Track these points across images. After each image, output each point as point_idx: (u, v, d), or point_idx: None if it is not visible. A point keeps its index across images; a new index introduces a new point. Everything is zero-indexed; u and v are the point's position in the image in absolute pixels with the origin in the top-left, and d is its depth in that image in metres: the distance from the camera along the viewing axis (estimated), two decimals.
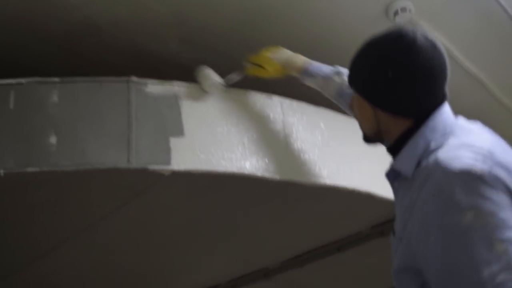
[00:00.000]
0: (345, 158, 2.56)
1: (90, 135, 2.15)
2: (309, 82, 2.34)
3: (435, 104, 1.54)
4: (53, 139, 2.12)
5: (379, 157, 2.73)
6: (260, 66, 2.40)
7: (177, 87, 2.34)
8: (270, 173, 2.31)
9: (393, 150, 1.62)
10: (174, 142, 2.22)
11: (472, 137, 1.45)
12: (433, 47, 1.52)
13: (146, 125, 2.21)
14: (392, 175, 1.63)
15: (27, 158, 2.06)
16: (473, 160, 1.30)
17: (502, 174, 1.29)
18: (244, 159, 2.29)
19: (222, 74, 2.41)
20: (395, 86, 1.50)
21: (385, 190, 2.53)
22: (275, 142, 2.39)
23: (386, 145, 1.68)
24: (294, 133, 2.46)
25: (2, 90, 2.18)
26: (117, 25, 2.65)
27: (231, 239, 2.91)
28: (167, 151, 2.19)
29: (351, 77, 1.69)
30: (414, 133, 1.52)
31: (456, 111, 1.62)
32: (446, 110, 1.57)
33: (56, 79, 2.23)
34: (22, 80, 2.22)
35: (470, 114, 1.76)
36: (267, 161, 2.33)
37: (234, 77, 2.44)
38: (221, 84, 2.40)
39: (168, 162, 2.17)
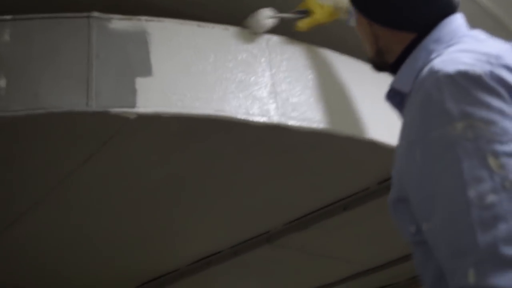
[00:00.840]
0: (342, 100, 2.25)
1: (45, 77, 1.91)
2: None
3: (442, 13, 1.31)
4: (2, 82, 1.89)
5: (382, 99, 2.43)
6: (308, 13, 2.21)
7: (145, 22, 2.07)
8: (253, 116, 2.03)
9: (395, 70, 1.38)
10: (140, 82, 1.96)
11: (480, 44, 1.20)
12: None
13: (108, 64, 1.96)
14: (393, 96, 1.41)
15: None
16: (472, 62, 1.06)
17: (508, 76, 1.02)
18: (223, 100, 2.01)
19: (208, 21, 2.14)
20: None
21: (392, 138, 2.24)
22: (259, 81, 2.11)
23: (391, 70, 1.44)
24: (281, 72, 2.17)
25: None
26: None
27: (224, 200, 2.64)
28: (132, 92, 1.93)
29: None
30: (416, 47, 1.31)
31: None
32: (456, 20, 1.33)
33: (8, 17, 1.99)
34: None
35: None
36: (249, 102, 2.05)
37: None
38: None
39: (133, 104, 1.91)
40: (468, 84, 1.00)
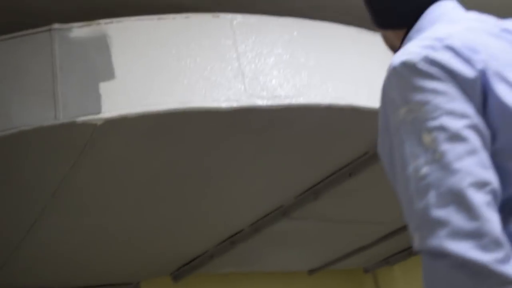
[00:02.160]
0: (317, 70, 2.20)
1: (14, 96, 1.98)
2: None
3: (423, 4, 1.34)
4: None
5: (363, 63, 2.35)
6: None
7: (105, 26, 2.09)
8: (221, 102, 2.02)
9: None
10: (105, 87, 1.99)
11: (443, 27, 1.21)
12: None
13: (72, 74, 2.00)
14: None
15: None
16: (415, 49, 1.12)
17: (445, 56, 1.08)
18: (188, 90, 2.01)
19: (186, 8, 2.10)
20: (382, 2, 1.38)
21: (374, 102, 2.17)
22: (224, 66, 2.09)
23: None
24: (248, 51, 2.14)
25: None
26: None
27: (227, 183, 2.67)
28: (97, 98, 1.97)
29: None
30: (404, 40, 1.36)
31: None
32: (442, 5, 1.34)
33: None
34: None
35: None
36: (217, 89, 2.04)
37: None
38: None
39: (98, 110, 1.95)
40: (406, 72, 1.09)
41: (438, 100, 1.04)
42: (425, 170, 1.00)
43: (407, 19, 1.33)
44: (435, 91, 1.05)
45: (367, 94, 2.23)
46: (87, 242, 2.92)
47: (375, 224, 3.34)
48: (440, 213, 0.95)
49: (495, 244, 0.91)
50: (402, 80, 1.09)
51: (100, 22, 2.09)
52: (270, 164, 2.54)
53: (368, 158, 2.60)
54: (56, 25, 2.07)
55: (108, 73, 2.01)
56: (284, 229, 3.20)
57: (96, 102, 1.96)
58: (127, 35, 2.08)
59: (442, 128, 1.02)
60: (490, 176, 0.96)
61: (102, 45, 2.06)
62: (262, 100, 2.06)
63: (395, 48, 1.40)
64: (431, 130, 1.02)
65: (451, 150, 0.99)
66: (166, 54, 2.07)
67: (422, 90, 1.06)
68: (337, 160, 2.62)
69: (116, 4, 2.62)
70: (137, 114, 1.96)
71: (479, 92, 1.04)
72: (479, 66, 1.05)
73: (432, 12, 1.32)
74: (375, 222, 3.30)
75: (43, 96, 1.97)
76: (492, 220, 0.93)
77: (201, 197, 2.77)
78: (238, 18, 2.20)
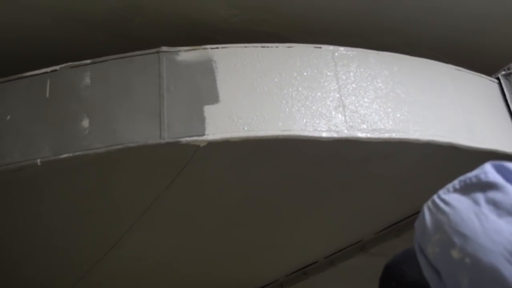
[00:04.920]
0: (416, 106, 2.18)
1: (121, 113, 2.05)
2: None
3: None
4: (85, 122, 2.05)
5: (461, 101, 2.31)
6: None
7: (211, 51, 2.15)
8: (321, 132, 2.03)
9: None
10: (209, 110, 2.03)
11: None
12: None
13: (178, 96, 2.06)
14: None
15: (62, 144, 2.02)
16: None
17: None
18: (289, 119, 2.03)
19: (280, 36, 2.12)
20: None
21: (472, 141, 2.14)
22: (325, 96, 2.10)
23: None
24: (349, 83, 2.14)
25: (39, 80, 2.16)
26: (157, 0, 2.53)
27: (311, 213, 2.65)
28: (201, 121, 2.02)
29: None
30: None
31: None
32: None
33: (88, 61, 2.16)
34: (57, 67, 2.18)
35: None
36: (316, 118, 2.05)
37: None
38: None
39: (202, 132, 1.99)
40: None
41: None
42: None
43: None
44: None
45: (466, 132, 2.19)
46: (165, 261, 2.95)
47: None
48: None
49: None
50: None
51: (206, 47, 2.15)
52: (357, 196, 2.52)
53: None
54: (164, 48, 2.15)
55: (213, 97, 2.06)
56: (360, 265, 3.14)
57: (200, 124, 2.01)
58: (231, 61, 2.13)
59: None
60: None
61: (207, 69, 2.11)
62: (362, 133, 2.06)
63: None
64: None
65: None
66: (269, 82, 2.10)
67: None
68: (426, 199, 2.56)
69: (214, 31, 2.70)
70: (239, 138, 1.99)
71: None
72: None
73: None
74: None
75: (149, 115, 2.03)
76: None
77: (282, 224, 2.77)
78: (340, 50, 2.22)
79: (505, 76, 2.55)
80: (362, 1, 2.66)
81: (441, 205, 1.03)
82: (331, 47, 2.22)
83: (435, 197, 1.04)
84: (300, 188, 2.42)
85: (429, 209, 1.06)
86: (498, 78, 2.56)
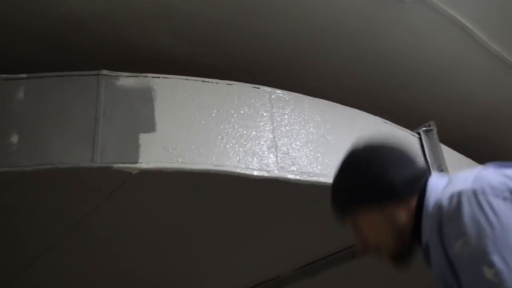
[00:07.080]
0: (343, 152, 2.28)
1: (55, 133, 2.01)
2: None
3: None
4: (14, 138, 2.00)
5: None
6: None
7: (152, 79, 2.17)
8: (253, 170, 2.08)
9: (418, 234, 1.32)
10: (144, 138, 2.04)
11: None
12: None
13: (114, 121, 2.05)
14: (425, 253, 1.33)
15: None
16: None
17: None
18: (223, 154, 2.08)
19: (219, 70, 2.20)
20: (383, 175, 1.35)
21: None
22: (259, 135, 2.17)
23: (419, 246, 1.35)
24: (283, 126, 2.23)
25: None
26: (102, 20, 2.52)
27: (229, 247, 2.69)
28: (135, 148, 2.02)
29: (340, 202, 1.44)
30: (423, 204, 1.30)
31: None
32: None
33: (23, 75, 2.12)
34: None
35: None
36: (249, 156, 2.11)
37: None
38: None
39: (135, 160, 1.99)
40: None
41: None
42: None
43: (414, 184, 1.30)
44: None
45: None
46: (80, 285, 2.87)
47: None
48: None
49: None
50: None
51: (147, 75, 2.17)
52: (281, 234, 2.58)
53: None
54: (104, 71, 2.14)
55: (149, 125, 2.07)
56: None
57: (134, 151, 2.01)
58: (171, 92, 2.16)
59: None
60: None
61: (147, 97, 2.13)
62: (291, 174, 2.13)
63: (397, 231, 1.30)
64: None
65: None
66: (207, 116, 2.14)
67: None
68: (345, 240, 2.67)
69: (156, 58, 2.72)
70: (172, 169, 2.00)
71: None
72: None
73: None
74: None
75: (83, 137, 2.01)
76: None
77: (206, 256, 2.77)
78: (277, 93, 2.30)
79: (425, 132, 2.74)
80: (299, 49, 2.78)
81: (487, 208, 1.05)
82: (268, 89, 2.29)
83: (479, 192, 1.05)
84: (228, 223, 2.45)
85: (470, 204, 1.07)
86: (419, 133, 2.73)
